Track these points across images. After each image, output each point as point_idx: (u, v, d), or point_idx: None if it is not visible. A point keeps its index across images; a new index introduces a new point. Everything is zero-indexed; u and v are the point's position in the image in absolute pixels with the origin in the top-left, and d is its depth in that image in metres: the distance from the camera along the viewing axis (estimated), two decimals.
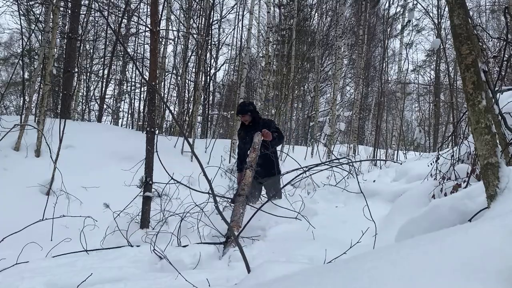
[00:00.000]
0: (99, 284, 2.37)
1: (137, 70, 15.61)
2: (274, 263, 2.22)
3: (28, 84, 10.27)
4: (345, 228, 3.44)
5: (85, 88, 14.13)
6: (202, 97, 14.01)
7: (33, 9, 11.62)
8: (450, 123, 15.95)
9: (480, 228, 1.27)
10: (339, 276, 1.23)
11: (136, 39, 16.65)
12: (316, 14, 17.30)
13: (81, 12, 11.78)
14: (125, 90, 17.87)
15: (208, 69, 15.39)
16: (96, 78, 14.96)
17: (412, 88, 21.15)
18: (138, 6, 14.82)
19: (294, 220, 3.82)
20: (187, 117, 12.74)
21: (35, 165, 6.68)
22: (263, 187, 4.97)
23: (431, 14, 15.78)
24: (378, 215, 3.78)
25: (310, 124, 17.74)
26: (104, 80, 13.80)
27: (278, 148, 6.28)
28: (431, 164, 4.51)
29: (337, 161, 5.19)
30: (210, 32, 13.99)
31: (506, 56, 3.40)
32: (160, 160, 3.37)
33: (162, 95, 13.38)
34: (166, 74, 15.51)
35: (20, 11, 10.74)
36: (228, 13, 19.52)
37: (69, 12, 12.00)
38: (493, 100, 2.64)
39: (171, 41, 15.64)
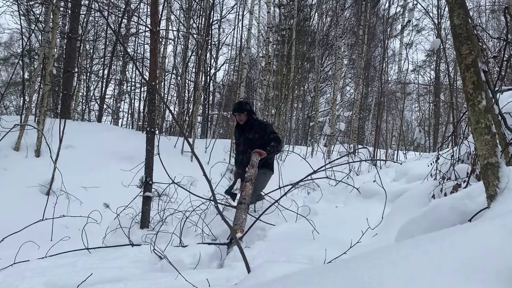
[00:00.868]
0: (99, 284, 2.37)
1: (137, 70, 15.61)
2: (274, 263, 2.22)
3: (28, 84, 10.27)
4: (345, 228, 3.44)
5: (85, 88, 14.13)
6: (202, 97, 14.00)
7: (33, 9, 11.62)
8: (450, 123, 15.95)
9: (480, 228, 1.27)
10: (339, 276, 1.23)
11: (136, 39, 16.65)
12: (316, 14, 17.30)
13: (81, 12, 11.77)
14: (125, 90, 17.87)
15: (208, 69, 15.39)
16: (96, 78, 14.97)
17: (412, 88, 21.16)
18: (138, 6, 14.82)
19: (295, 220, 3.82)
20: (187, 117, 12.74)
21: (35, 165, 6.67)
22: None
23: (431, 14, 15.79)
24: (378, 215, 3.79)
25: (310, 124, 17.73)
26: (104, 80, 13.79)
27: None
28: (431, 164, 4.51)
29: (337, 161, 5.18)
30: (210, 32, 13.99)
31: (506, 56, 3.40)
32: (161, 162, 3.37)
33: (162, 95, 13.38)
34: (166, 74, 15.51)
35: (20, 11, 10.74)
36: (228, 13, 19.55)
37: (69, 12, 12.00)
38: (493, 100, 2.64)
39: (171, 41, 15.65)
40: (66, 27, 13.02)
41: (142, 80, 14.61)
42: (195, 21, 14.27)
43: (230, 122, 17.22)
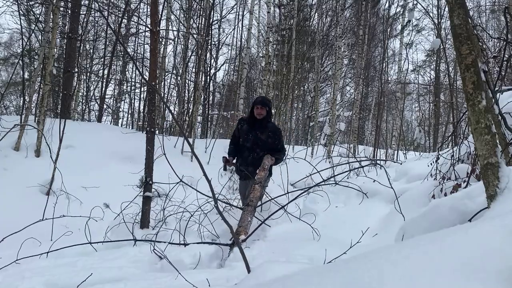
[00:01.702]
0: (99, 284, 2.37)
1: (137, 70, 15.61)
2: (274, 263, 2.22)
3: (28, 84, 10.27)
4: (345, 228, 3.45)
5: (85, 88, 14.13)
6: (202, 97, 14.01)
7: (33, 9, 11.62)
8: (450, 123, 15.95)
9: (480, 228, 1.27)
10: (339, 276, 1.23)
11: (136, 39, 16.66)
12: (316, 14, 17.30)
13: (81, 12, 11.77)
14: (125, 90, 17.88)
15: (208, 69, 15.39)
16: (96, 78, 14.96)
17: (412, 88, 21.17)
18: (138, 6, 14.82)
19: (295, 220, 3.82)
20: (187, 117, 12.74)
21: (35, 165, 6.67)
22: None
23: (431, 14, 15.79)
24: (378, 215, 3.79)
25: (310, 124, 17.73)
26: (104, 80, 13.79)
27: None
28: (431, 164, 4.51)
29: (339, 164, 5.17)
30: (210, 32, 13.99)
31: (506, 56, 3.40)
32: (167, 160, 3.37)
33: (162, 95, 13.38)
34: (166, 74, 15.51)
35: (20, 11, 10.74)
36: (228, 13, 19.56)
37: (69, 12, 12.00)
38: (493, 100, 2.64)
39: (171, 41, 15.65)
40: (66, 27, 13.02)
41: (142, 80, 14.61)
42: (195, 21, 14.27)
43: (230, 122, 17.22)
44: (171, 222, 3.99)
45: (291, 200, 4.19)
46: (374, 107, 17.89)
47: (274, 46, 15.03)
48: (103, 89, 13.76)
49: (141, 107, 16.06)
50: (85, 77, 13.51)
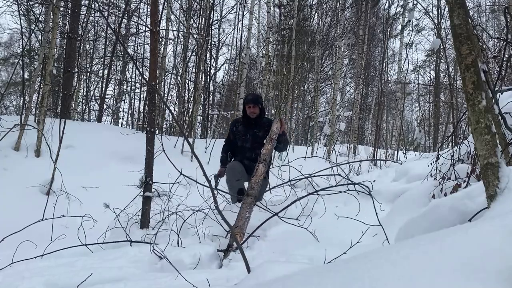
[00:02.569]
0: (99, 284, 2.37)
1: (137, 70, 15.62)
2: (274, 263, 2.22)
3: (28, 84, 10.27)
4: (345, 228, 3.44)
5: (85, 88, 14.14)
6: (202, 97, 14.01)
7: (33, 9, 11.63)
8: (450, 123, 15.95)
9: (480, 228, 1.27)
10: (339, 276, 1.23)
11: (136, 39, 16.66)
12: (316, 14, 17.30)
13: (81, 12, 11.77)
14: (125, 90, 17.88)
15: (208, 69, 15.39)
16: (96, 78, 14.97)
17: (412, 88, 21.17)
18: (138, 6, 14.83)
19: (294, 220, 3.81)
20: (187, 117, 12.75)
21: (35, 165, 6.68)
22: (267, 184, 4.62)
23: (431, 14, 15.79)
24: (378, 215, 3.78)
25: (310, 124, 17.74)
26: (104, 80, 13.80)
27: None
28: (431, 164, 4.51)
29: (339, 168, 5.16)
30: (210, 32, 14.00)
31: (506, 56, 3.40)
32: (167, 156, 3.37)
33: (162, 95, 13.38)
34: (166, 74, 15.52)
35: (20, 11, 10.75)
36: (228, 13, 19.53)
37: (69, 12, 12.00)
38: (493, 100, 2.64)
39: (171, 41, 15.66)
40: (66, 27, 13.03)
41: (142, 80, 14.61)
42: (195, 21, 14.28)
43: (230, 122, 17.20)
44: (171, 222, 3.98)
45: (286, 206, 3.91)
46: (374, 107, 17.89)
47: (274, 46, 15.04)
48: (103, 89, 13.78)
49: (141, 107, 16.07)
50: (85, 77, 13.51)
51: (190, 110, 12.06)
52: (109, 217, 3.91)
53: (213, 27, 15.22)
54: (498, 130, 2.56)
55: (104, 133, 8.96)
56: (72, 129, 7.41)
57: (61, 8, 11.34)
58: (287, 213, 3.85)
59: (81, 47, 12.16)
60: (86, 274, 2.37)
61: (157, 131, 4.13)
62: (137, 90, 17.25)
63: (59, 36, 12.29)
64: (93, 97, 15.26)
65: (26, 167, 6.56)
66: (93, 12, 12.17)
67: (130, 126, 17.27)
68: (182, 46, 14.96)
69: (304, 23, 17.02)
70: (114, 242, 3.32)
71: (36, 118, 8.39)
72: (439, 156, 4.40)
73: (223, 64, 21.17)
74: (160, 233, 3.40)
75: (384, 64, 16.06)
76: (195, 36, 13.44)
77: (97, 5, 11.67)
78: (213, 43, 15.94)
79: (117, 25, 13.87)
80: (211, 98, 18.83)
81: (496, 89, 3.06)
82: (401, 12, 16.64)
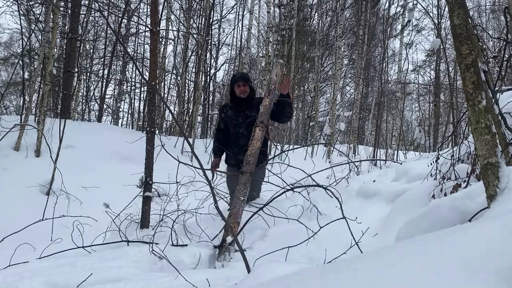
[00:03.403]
0: (99, 284, 2.37)
1: (137, 70, 15.61)
2: (274, 263, 2.22)
3: (28, 84, 10.27)
4: (345, 228, 3.44)
5: (85, 88, 14.14)
6: (202, 97, 14.01)
7: (33, 9, 11.62)
8: (450, 123, 15.95)
9: (480, 228, 1.27)
10: (339, 276, 1.23)
11: (136, 39, 16.67)
12: (316, 14, 17.30)
13: (81, 12, 11.78)
14: (125, 90, 17.89)
15: (208, 69, 15.39)
16: (96, 78, 14.97)
17: (412, 88, 21.18)
18: (138, 6, 14.83)
19: (294, 220, 3.80)
20: (187, 117, 12.75)
21: (35, 165, 6.67)
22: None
23: (431, 14, 15.79)
24: (378, 215, 3.79)
25: (310, 124, 17.73)
26: (104, 80, 13.80)
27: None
28: (431, 164, 4.50)
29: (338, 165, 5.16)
30: (210, 32, 14.00)
31: (506, 56, 3.40)
32: (166, 151, 3.36)
33: (162, 95, 13.38)
34: (166, 74, 15.52)
35: (20, 11, 10.74)
36: (228, 13, 19.55)
37: (69, 12, 12.00)
38: (493, 100, 2.64)
39: (171, 41, 15.66)
40: (66, 27, 13.03)
41: (142, 80, 14.61)
42: (195, 21, 14.28)
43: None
44: (171, 222, 3.98)
45: (269, 201, 3.66)
46: (374, 107, 17.89)
47: (274, 46, 15.03)
48: (103, 89, 13.78)
49: (141, 107, 16.08)
50: (85, 77, 13.51)
51: (190, 110, 12.06)
52: (109, 217, 3.91)
53: (213, 27, 15.23)
54: (498, 130, 2.56)
55: (104, 133, 8.96)
56: (72, 129, 7.41)
57: (61, 8, 11.34)
58: (287, 213, 3.85)
59: (81, 47, 12.16)
60: (86, 274, 2.37)
61: (157, 131, 4.13)
62: (137, 90, 17.27)
63: (59, 36, 12.29)
64: (93, 97, 15.27)
65: (26, 167, 6.55)
66: (93, 12, 12.17)
67: (130, 126, 17.27)
68: (182, 46, 14.97)
69: (304, 23, 17.02)
70: (113, 242, 3.31)
71: (36, 118, 8.39)
72: (439, 156, 4.39)
73: (223, 64, 21.20)
74: (160, 233, 3.40)
75: (384, 64, 16.08)
76: (195, 36, 13.44)
77: (97, 5, 11.67)
78: (213, 43, 15.95)
79: (117, 25, 13.87)
80: (211, 98, 18.83)
81: (496, 89, 3.06)
82: (401, 12, 16.65)
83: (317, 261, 2.66)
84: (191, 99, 13.04)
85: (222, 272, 2.67)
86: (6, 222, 4.15)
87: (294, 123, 17.05)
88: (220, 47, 17.96)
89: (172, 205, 4.01)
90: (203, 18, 12.99)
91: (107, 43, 14.68)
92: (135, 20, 15.41)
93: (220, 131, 4.20)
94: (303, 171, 4.51)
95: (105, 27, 14.28)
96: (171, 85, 17.10)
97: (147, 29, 13.13)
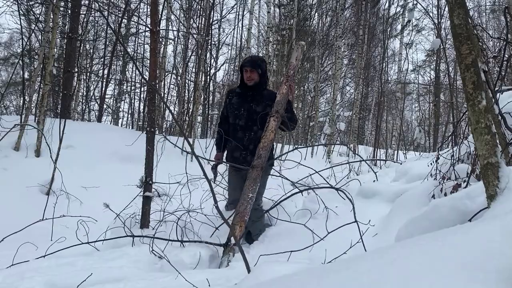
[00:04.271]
0: (99, 284, 2.37)
1: (137, 70, 15.62)
2: (274, 263, 2.22)
3: (28, 84, 10.27)
4: (345, 228, 3.44)
5: (85, 88, 14.15)
6: (202, 97, 14.00)
7: (33, 9, 11.62)
8: (450, 123, 15.95)
9: (480, 228, 1.27)
10: (339, 276, 1.23)
11: (136, 39, 16.67)
12: (316, 14, 17.30)
13: (81, 12, 11.77)
14: (125, 90, 17.89)
15: (208, 69, 15.39)
16: (96, 78, 14.98)
17: (412, 88, 21.17)
18: (138, 6, 14.83)
19: (294, 220, 3.80)
20: (187, 117, 12.75)
21: (35, 165, 6.67)
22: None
23: (431, 14, 15.79)
24: (378, 215, 3.78)
25: (310, 124, 17.73)
26: (104, 80, 13.80)
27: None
28: (431, 164, 4.50)
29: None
30: (210, 32, 13.99)
31: (506, 56, 3.40)
32: (168, 140, 3.36)
33: (162, 95, 13.38)
34: (166, 74, 15.51)
35: (20, 11, 10.73)
36: (228, 13, 19.58)
37: (69, 12, 12.00)
38: (493, 100, 2.64)
39: (171, 41, 15.65)
40: (66, 27, 13.02)
41: (142, 80, 14.61)
42: (195, 21, 14.28)
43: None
44: (171, 222, 3.98)
45: (273, 205, 3.77)
46: (374, 107, 17.89)
47: (274, 46, 15.02)
48: (103, 89, 13.78)
49: (141, 107, 16.08)
50: (85, 77, 13.52)
51: (190, 110, 12.05)
52: (109, 217, 3.91)
53: (213, 27, 15.23)
54: (498, 130, 2.56)
55: (104, 133, 8.96)
56: (72, 129, 7.41)
57: (61, 8, 11.34)
58: (290, 213, 3.86)
59: (81, 47, 12.16)
60: (86, 274, 2.38)
61: (157, 131, 4.12)
62: (137, 90, 17.27)
63: (59, 36, 12.29)
64: (93, 97, 15.28)
65: (26, 167, 6.55)
66: (93, 12, 12.17)
67: (130, 126, 17.28)
68: (182, 46, 14.98)
69: (304, 23, 17.02)
70: (119, 237, 3.31)
71: (36, 118, 8.39)
72: (439, 156, 4.39)
73: (223, 64, 21.19)
74: (160, 233, 3.40)
75: (384, 64, 16.07)
76: (195, 36, 13.44)
77: (97, 5, 11.67)
78: (213, 43, 15.95)
79: (117, 25, 13.87)
80: (211, 98, 18.83)
81: (496, 89, 3.06)
82: (401, 12, 16.66)
83: (317, 261, 2.66)
84: (191, 99, 13.04)
85: (222, 272, 2.67)
86: (6, 222, 4.15)
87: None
88: (220, 47, 17.97)
89: (173, 205, 4.01)
90: (203, 18, 12.99)
91: (107, 43, 14.68)
92: (135, 20, 15.43)
93: (223, 120, 3.81)
94: (315, 170, 4.48)
95: (105, 27, 14.29)
96: (171, 85, 17.12)
97: (147, 29, 13.13)
